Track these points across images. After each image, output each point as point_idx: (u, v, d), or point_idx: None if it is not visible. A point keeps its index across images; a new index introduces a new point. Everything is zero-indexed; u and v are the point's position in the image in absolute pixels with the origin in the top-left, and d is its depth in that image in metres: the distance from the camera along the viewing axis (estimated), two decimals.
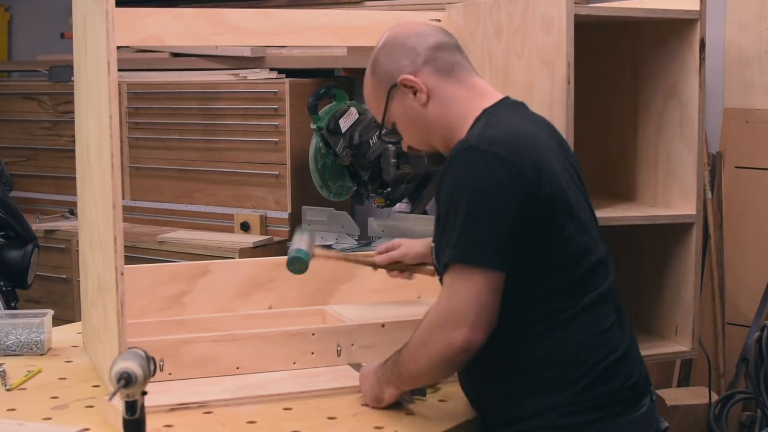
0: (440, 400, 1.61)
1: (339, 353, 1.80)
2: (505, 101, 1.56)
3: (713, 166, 2.97)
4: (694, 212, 1.85)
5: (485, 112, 1.51)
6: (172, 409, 1.59)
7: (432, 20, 2.05)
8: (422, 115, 1.55)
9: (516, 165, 1.39)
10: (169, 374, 1.71)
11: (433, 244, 1.56)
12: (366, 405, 1.61)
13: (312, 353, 1.79)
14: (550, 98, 1.77)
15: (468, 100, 1.54)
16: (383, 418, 1.59)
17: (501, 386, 1.48)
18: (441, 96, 1.54)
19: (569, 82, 1.72)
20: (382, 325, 1.84)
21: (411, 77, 1.54)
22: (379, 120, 1.62)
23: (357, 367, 1.73)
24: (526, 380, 1.44)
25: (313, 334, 1.81)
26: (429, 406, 1.63)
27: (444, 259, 1.42)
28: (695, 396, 2.83)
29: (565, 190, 1.45)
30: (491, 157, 1.39)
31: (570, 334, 1.43)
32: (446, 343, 1.41)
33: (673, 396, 2.86)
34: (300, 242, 1.87)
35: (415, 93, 1.55)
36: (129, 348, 1.39)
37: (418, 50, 1.55)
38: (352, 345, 1.81)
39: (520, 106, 1.57)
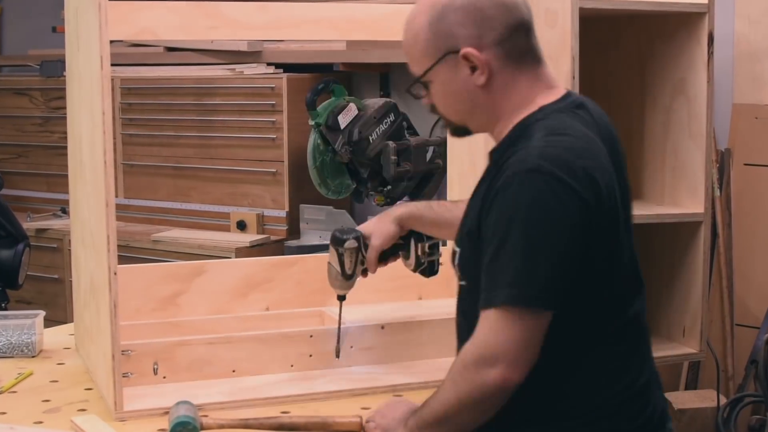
0: None
1: (338, 356, 1.78)
2: (565, 100, 1.39)
3: (722, 163, 2.94)
4: (702, 210, 1.83)
5: (542, 110, 1.37)
6: (166, 413, 1.56)
7: None
8: (471, 94, 1.38)
9: (583, 194, 1.26)
10: (164, 377, 1.71)
11: (457, 249, 1.41)
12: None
13: (310, 356, 1.78)
14: None
15: (527, 93, 1.38)
16: None
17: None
18: (501, 82, 1.37)
19: (574, 77, 1.70)
20: (382, 327, 1.83)
21: (477, 54, 1.34)
22: (415, 70, 1.42)
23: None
24: (531, 411, 1.34)
25: (311, 336, 1.80)
26: None
27: (497, 298, 1.27)
28: (703, 399, 2.80)
29: (619, 216, 1.34)
30: (557, 183, 1.25)
31: (591, 365, 1.33)
32: (480, 381, 1.27)
33: (681, 399, 2.83)
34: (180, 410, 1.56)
35: (473, 70, 1.36)
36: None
37: (495, 25, 1.35)
38: (351, 347, 1.80)
39: (580, 109, 1.39)
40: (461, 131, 1.47)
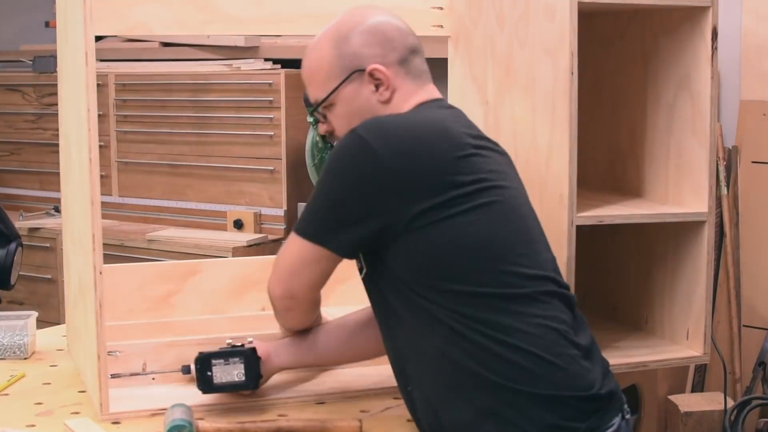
0: None
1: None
2: (439, 101, 1.54)
3: (729, 160, 2.91)
4: (706, 210, 1.80)
5: (419, 105, 1.51)
6: (155, 414, 1.55)
7: (434, 8, 1.99)
8: (374, 111, 1.49)
9: (383, 156, 1.37)
10: (153, 379, 1.69)
11: None
12: None
13: None
14: (553, 89, 1.71)
15: (416, 98, 1.51)
16: (383, 425, 1.55)
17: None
18: (400, 98, 1.50)
19: (572, 73, 1.66)
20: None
21: (384, 70, 1.49)
22: (317, 95, 1.53)
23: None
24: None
25: None
26: None
27: (295, 226, 1.49)
28: (710, 402, 2.79)
29: (455, 179, 1.38)
30: (360, 141, 1.39)
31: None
32: (269, 288, 1.53)
33: (687, 402, 2.82)
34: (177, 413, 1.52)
35: (377, 87, 1.50)
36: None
37: (396, 46, 1.51)
38: None
39: (450, 109, 1.55)
40: None
